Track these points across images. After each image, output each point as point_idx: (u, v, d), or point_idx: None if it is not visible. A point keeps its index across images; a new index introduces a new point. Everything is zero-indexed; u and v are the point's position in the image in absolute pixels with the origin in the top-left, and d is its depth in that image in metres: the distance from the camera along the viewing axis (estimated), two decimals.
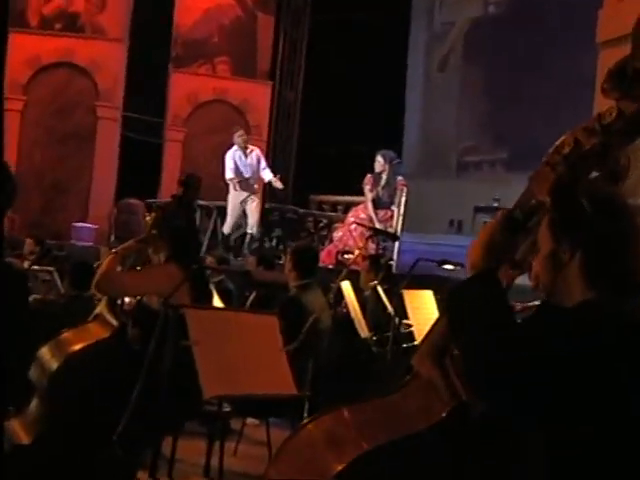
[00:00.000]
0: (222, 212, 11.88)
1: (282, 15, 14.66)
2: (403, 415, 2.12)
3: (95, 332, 4.07)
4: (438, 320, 2.13)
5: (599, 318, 1.72)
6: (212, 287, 6.03)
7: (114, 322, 4.08)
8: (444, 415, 2.02)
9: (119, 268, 4.21)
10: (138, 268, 4.41)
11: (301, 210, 12.71)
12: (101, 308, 4.23)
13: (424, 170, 14.16)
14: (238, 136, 11.28)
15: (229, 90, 14.06)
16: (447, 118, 14.18)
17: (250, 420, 5.55)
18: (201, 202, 11.91)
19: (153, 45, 13.48)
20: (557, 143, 2.03)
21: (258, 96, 14.29)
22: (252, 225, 11.18)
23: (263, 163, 11.43)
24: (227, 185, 11.31)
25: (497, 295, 1.84)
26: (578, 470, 1.74)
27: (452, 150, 14.35)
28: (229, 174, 11.14)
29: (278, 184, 11.32)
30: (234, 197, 11.16)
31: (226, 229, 11.36)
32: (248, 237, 11.21)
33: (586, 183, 1.93)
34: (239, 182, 11.07)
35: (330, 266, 9.12)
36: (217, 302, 5.66)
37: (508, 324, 1.80)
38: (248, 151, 11.21)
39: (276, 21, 14.52)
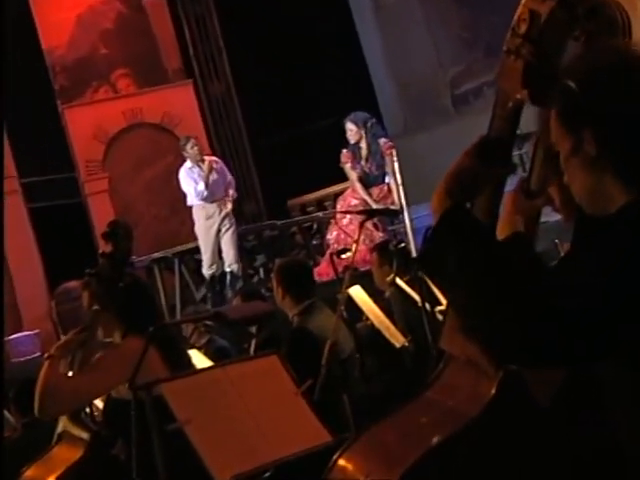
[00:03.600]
0: (185, 258, 11.93)
1: None
2: (448, 408, 2.22)
3: (63, 456, 4.08)
4: None
5: None
6: (201, 353, 6.10)
7: (84, 435, 4.10)
8: (494, 392, 2.12)
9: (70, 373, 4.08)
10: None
11: (279, 222, 12.68)
12: (63, 424, 4.24)
13: (414, 121, 14.21)
14: (190, 148, 11.14)
15: (142, 108, 14.08)
16: (420, 48, 14.21)
17: None
18: (155, 255, 11.98)
19: (27, 83, 13.36)
20: (512, 24, 2.09)
21: (180, 103, 14.32)
22: (230, 261, 11.19)
23: (229, 175, 11.47)
24: (192, 218, 11.26)
25: (476, 228, 1.88)
26: None
27: (440, 84, 14.37)
28: (191, 198, 11.13)
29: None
30: (204, 227, 11.14)
31: (207, 270, 11.32)
32: (228, 276, 11.22)
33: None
34: (207, 199, 11.03)
35: (335, 277, 9.13)
36: None
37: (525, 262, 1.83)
38: (205, 164, 11.15)
39: (169, 3, 14.48)
